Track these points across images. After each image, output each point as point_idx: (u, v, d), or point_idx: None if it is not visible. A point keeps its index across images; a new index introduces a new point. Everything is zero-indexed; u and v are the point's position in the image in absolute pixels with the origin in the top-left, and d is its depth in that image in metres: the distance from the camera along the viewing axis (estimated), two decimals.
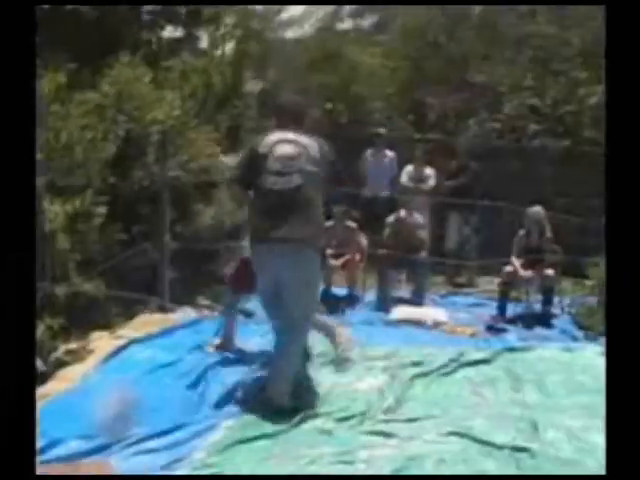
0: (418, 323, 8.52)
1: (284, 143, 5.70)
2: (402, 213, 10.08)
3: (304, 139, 5.77)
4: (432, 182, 11.95)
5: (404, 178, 12.03)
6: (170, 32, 14.48)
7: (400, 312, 8.94)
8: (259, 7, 16.00)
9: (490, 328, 8.62)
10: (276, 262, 5.59)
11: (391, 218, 10.16)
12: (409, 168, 12.11)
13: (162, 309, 8.15)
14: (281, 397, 5.54)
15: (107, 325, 7.61)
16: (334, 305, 9.29)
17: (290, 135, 5.76)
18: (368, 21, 18.38)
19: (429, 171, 12.05)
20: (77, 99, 8.81)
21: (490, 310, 9.50)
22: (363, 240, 10.20)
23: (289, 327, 5.72)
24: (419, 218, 10.14)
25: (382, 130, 12.82)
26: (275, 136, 5.78)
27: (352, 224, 10.15)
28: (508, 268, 9.34)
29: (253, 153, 5.76)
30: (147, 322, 7.58)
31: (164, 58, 13.60)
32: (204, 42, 15.28)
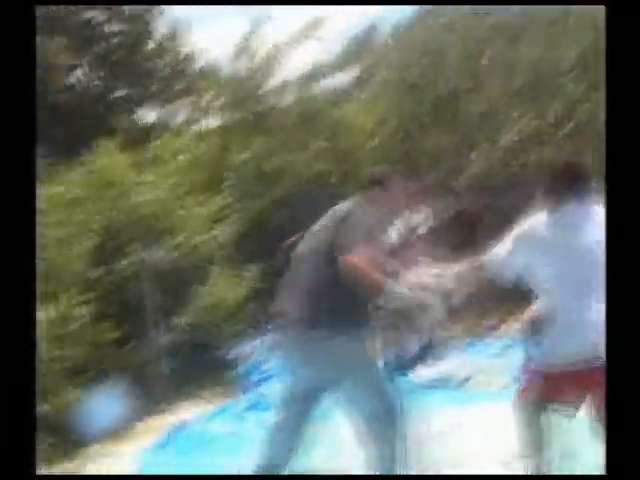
0: (443, 382, 7.78)
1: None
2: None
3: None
4: (429, 222, 11.21)
5: (393, 234, 11.26)
6: (144, 112, 14.15)
7: (421, 373, 8.16)
8: (241, 76, 15.54)
9: None
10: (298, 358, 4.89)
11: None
12: (398, 220, 11.37)
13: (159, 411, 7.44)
14: None
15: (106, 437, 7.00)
16: None
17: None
18: (347, 78, 17.97)
19: (425, 212, 11.32)
20: (45, 194, 8.18)
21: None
22: None
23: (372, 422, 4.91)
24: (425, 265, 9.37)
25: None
26: None
27: None
28: (533, 308, 8.52)
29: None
30: (146, 430, 6.96)
31: (143, 140, 13.18)
32: (182, 117, 14.95)
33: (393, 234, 10.76)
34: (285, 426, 4.98)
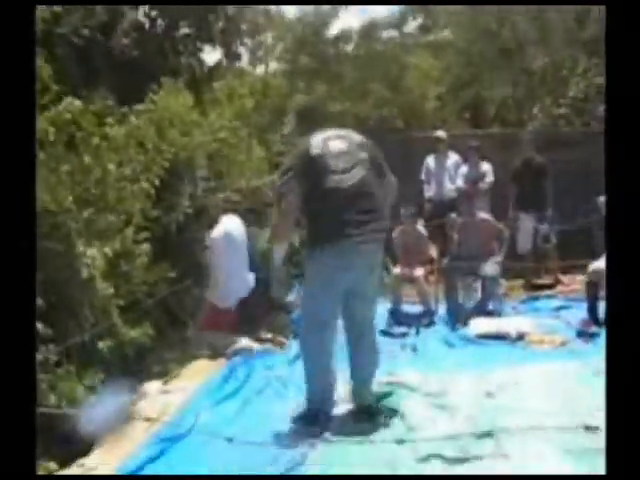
0: (500, 336, 7.73)
1: (334, 139, 5.50)
2: (458, 216, 9.63)
3: (345, 131, 5.66)
4: (490, 178, 11.12)
5: (459, 180, 11.25)
6: (209, 53, 14.05)
7: (478, 326, 8.10)
8: (305, 21, 15.43)
9: (581, 334, 7.74)
10: (356, 262, 5.35)
11: (453, 220, 9.50)
12: (463, 168, 11.33)
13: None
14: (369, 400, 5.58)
15: (161, 373, 7.03)
16: (407, 324, 8.57)
17: (333, 131, 5.61)
18: (412, 24, 17.78)
19: (486, 167, 11.21)
20: (112, 133, 8.18)
21: (579, 312, 8.40)
22: (433, 249, 9.45)
23: (367, 327, 5.62)
24: (483, 218, 9.29)
25: (441, 133, 12.01)
26: (322, 135, 5.54)
27: (422, 230, 9.40)
28: (595, 265, 8.25)
29: (306, 157, 5.44)
30: (201, 369, 6.93)
31: (207, 81, 13.14)
32: (245, 60, 14.89)
33: (452, 187, 10.87)
34: (323, 347, 5.48)
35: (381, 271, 5.90)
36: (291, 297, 9.59)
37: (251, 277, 7.75)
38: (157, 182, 8.43)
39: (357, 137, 5.59)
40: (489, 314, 8.65)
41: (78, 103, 7.49)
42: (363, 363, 5.58)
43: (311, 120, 12.79)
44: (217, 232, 7.51)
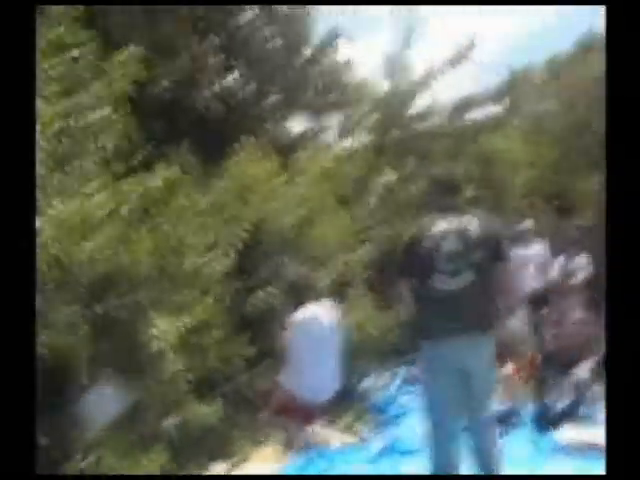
0: (592, 446, 7.14)
1: (450, 236, 5.43)
2: (550, 312, 9.16)
3: (466, 220, 5.55)
4: (584, 274, 10.51)
5: (554, 272, 10.68)
6: (296, 122, 13.88)
7: (569, 432, 7.59)
8: (391, 96, 15.12)
9: None
10: (455, 357, 5.43)
11: (544, 317, 9.00)
12: (560, 259, 10.78)
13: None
14: None
15: (228, 455, 6.66)
16: None
17: (454, 223, 5.50)
18: (500, 106, 17.43)
19: (583, 260, 10.64)
20: (190, 198, 7.85)
21: None
22: (528, 346, 8.96)
23: (483, 421, 5.57)
24: (578, 316, 8.81)
25: (528, 223, 11.54)
26: (439, 227, 5.49)
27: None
28: None
29: (418, 247, 5.49)
30: (271, 455, 6.53)
31: (290, 150, 12.89)
32: (331, 132, 14.61)
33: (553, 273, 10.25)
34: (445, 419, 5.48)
35: (490, 365, 5.75)
36: (366, 384, 9.23)
37: (337, 373, 7.32)
38: (234, 254, 8.10)
39: (476, 231, 5.48)
40: (581, 419, 8.11)
41: (176, 170, 7.26)
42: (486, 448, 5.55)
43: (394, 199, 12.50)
44: (299, 317, 7.10)
